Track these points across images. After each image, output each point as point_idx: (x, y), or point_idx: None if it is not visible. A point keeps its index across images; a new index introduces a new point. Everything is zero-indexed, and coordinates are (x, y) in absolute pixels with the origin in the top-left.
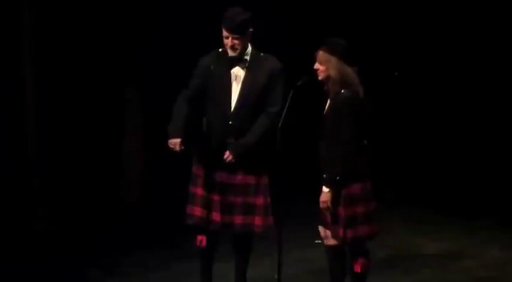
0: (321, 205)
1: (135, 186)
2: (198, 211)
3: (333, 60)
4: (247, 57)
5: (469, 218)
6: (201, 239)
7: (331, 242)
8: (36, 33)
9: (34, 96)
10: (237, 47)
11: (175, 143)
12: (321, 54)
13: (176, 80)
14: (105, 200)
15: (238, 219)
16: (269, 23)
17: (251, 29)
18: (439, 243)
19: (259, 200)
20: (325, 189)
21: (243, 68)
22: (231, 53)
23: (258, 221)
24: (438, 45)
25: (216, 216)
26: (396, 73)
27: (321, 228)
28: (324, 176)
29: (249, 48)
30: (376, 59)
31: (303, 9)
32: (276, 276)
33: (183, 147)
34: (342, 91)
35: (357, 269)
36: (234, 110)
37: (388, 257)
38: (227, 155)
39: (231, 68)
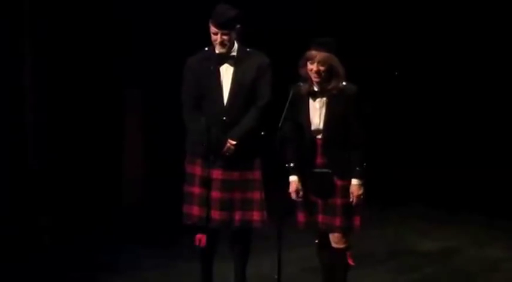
0: (359, 199)
1: (135, 187)
2: (195, 210)
3: (333, 57)
4: (234, 54)
5: (467, 216)
6: (200, 238)
7: (341, 244)
8: (36, 33)
9: (34, 96)
10: (226, 43)
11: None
12: (320, 55)
13: (177, 80)
14: (105, 200)
15: (238, 215)
16: (267, 22)
17: (239, 26)
18: (437, 242)
19: (256, 195)
20: (358, 181)
21: (231, 65)
22: (219, 50)
23: (256, 216)
24: (438, 44)
25: (215, 214)
26: (396, 73)
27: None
28: (357, 168)
29: (236, 45)
30: (376, 59)
31: (302, 8)
32: (276, 276)
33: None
34: (344, 83)
35: (351, 261)
36: (226, 106)
37: (386, 255)
38: (227, 148)
39: (219, 65)
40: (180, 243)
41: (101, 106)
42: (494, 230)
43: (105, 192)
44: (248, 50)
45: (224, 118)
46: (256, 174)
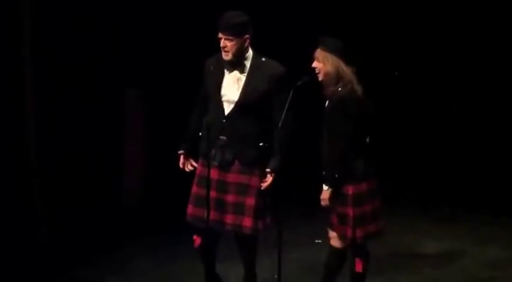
0: (322, 203)
1: (136, 187)
2: (190, 209)
3: (330, 57)
4: (247, 63)
5: (469, 216)
6: (196, 239)
7: (338, 243)
8: (37, 32)
9: (34, 96)
10: (227, 49)
11: (179, 154)
12: (318, 52)
13: (178, 79)
14: (105, 200)
15: (229, 219)
16: (271, 23)
17: (247, 35)
18: (440, 242)
19: (250, 201)
20: (324, 187)
21: (241, 73)
22: (224, 56)
23: (246, 222)
24: (438, 44)
25: (211, 214)
26: (396, 73)
27: (329, 230)
28: (323, 173)
29: (250, 53)
30: (376, 59)
31: (303, 8)
32: (276, 276)
33: (190, 161)
34: (339, 89)
35: (359, 269)
36: (230, 111)
37: (388, 256)
38: (266, 181)
39: (229, 72)
40: (180, 243)
41: (101, 106)
42: (495, 229)
43: (105, 192)
44: (263, 59)
45: (224, 121)
46: (254, 181)
